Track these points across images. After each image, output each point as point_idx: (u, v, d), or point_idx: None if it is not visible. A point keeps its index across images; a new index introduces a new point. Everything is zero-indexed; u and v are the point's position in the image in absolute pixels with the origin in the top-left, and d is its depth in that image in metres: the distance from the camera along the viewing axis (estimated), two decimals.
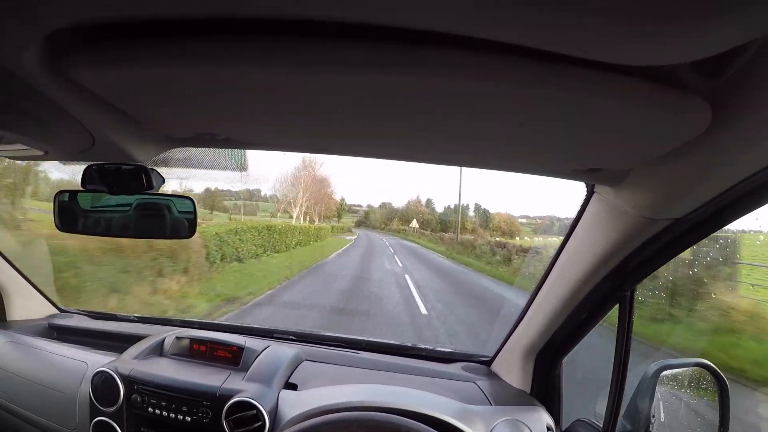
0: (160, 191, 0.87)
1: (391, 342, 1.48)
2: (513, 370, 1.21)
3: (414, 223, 41.51)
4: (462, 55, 0.39)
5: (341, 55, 0.40)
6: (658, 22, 0.31)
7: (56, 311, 1.65)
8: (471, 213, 47.04)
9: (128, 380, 1.09)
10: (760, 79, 0.42)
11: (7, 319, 1.50)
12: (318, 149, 0.76)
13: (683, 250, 0.79)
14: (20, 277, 1.49)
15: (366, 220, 53.56)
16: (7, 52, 0.42)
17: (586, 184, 0.83)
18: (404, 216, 49.13)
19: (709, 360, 1.05)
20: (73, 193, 0.95)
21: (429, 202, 51.70)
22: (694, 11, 0.29)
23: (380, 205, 56.04)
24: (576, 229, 0.90)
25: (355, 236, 31.78)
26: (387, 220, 51.75)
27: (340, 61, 0.40)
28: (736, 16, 0.30)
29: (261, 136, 0.71)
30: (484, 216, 45.19)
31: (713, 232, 0.72)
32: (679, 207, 0.67)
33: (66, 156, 0.80)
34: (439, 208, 50.84)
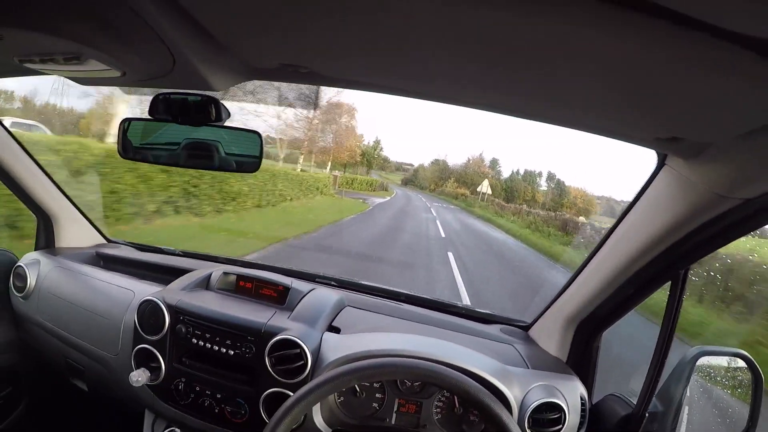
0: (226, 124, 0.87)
1: (432, 297, 1.49)
2: (552, 337, 1.21)
3: (485, 187, 30.21)
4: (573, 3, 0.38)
5: None
6: None
7: (104, 241, 1.69)
8: (542, 183, 40.24)
9: (174, 310, 1.12)
10: None
11: (56, 245, 1.54)
12: (404, 91, 0.75)
13: (749, 232, 0.78)
14: (71, 205, 1.52)
15: (414, 178, 46.86)
16: None
17: (659, 155, 0.81)
18: (462, 177, 40.99)
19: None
20: (137, 122, 0.96)
21: (494, 163, 42.85)
22: None
23: (432, 162, 47.47)
24: (640, 200, 0.89)
25: (386, 199, 23.96)
26: (439, 180, 43.25)
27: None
28: None
29: (348, 71, 0.70)
30: (558, 189, 38.10)
31: None
32: (754, 187, 0.66)
33: (143, 79, 0.79)
34: (506, 172, 43.34)
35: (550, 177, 39.76)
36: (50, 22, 0.55)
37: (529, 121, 0.78)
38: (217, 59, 0.68)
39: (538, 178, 40.25)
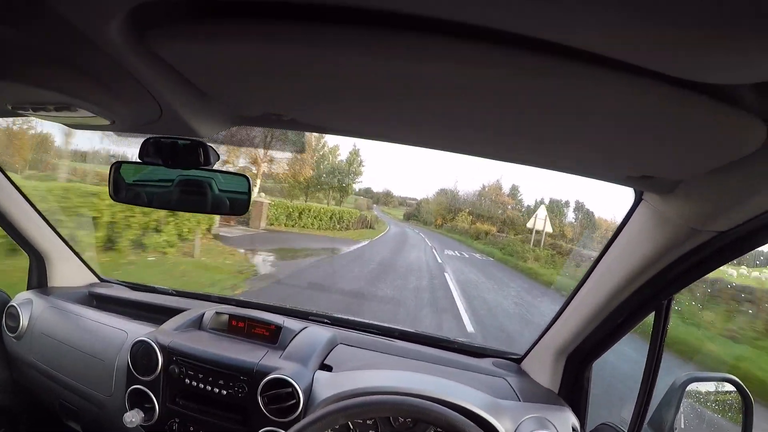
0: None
1: (425, 332, 1.49)
2: (543, 369, 1.22)
3: (540, 220, 17.48)
4: (528, 55, 0.40)
5: (417, 46, 0.41)
6: (736, 41, 0.31)
7: (96, 280, 1.69)
8: (570, 215, 30.62)
9: (167, 351, 1.12)
10: None
11: (49, 284, 1.54)
12: (384, 137, 0.78)
13: (725, 263, 0.80)
14: (63, 244, 1.53)
15: (417, 212, 41.17)
16: (93, 20, 0.43)
17: (635, 191, 0.83)
18: (477, 209, 31.90)
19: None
20: (128, 165, 0.98)
21: (515, 190, 32.76)
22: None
23: (438, 192, 39.46)
24: (620, 234, 0.91)
25: (362, 244, 13.67)
26: (447, 213, 34.78)
27: (416, 53, 0.42)
28: None
29: (328, 120, 0.72)
30: (587, 219, 28.86)
31: (755, 248, 0.73)
32: (726, 220, 0.68)
33: (131, 127, 0.82)
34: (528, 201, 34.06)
35: (578, 207, 31.10)
36: (38, 75, 0.57)
37: (508, 163, 0.81)
38: (203, 108, 0.71)
39: (564, 209, 31.30)
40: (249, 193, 0.94)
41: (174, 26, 0.44)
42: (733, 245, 0.73)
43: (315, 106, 0.66)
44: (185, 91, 0.62)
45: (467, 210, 32.81)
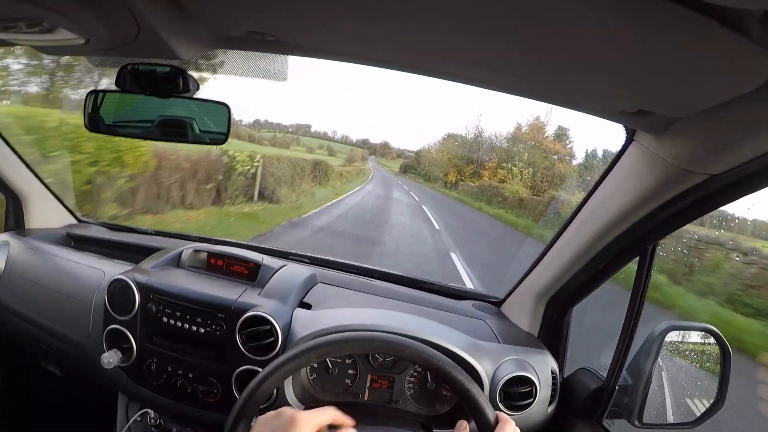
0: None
1: (405, 274, 1.49)
2: (523, 312, 1.23)
3: None
4: None
5: None
6: None
7: (74, 221, 1.66)
8: None
9: (144, 289, 1.10)
10: None
11: (26, 226, 1.51)
12: (375, 61, 0.74)
13: (715, 208, 0.79)
14: (41, 184, 1.49)
15: (417, 164, 33.64)
16: None
17: (627, 130, 0.82)
18: (508, 155, 21.80)
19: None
20: (104, 94, 0.94)
21: (563, 132, 22.60)
22: None
23: (447, 137, 29.88)
24: (609, 175, 0.90)
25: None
26: (464, 164, 24.81)
27: None
28: None
29: (317, 40, 0.69)
30: None
31: (747, 195, 0.72)
32: (719, 162, 0.67)
33: (107, 47, 0.78)
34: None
35: None
36: None
37: (496, 92, 0.79)
38: (183, 26, 0.67)
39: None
40: (229, 122, 0.91)
41: None
42: (725, 189, 0.72)
43: (301, 24, 0.63)
44: (165, 6, 0.59)
45: (496, 161, 22.22)
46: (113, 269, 1.23)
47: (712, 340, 1.08)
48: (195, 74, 0.85)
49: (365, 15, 0.53)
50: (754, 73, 0.46)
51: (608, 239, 0.93)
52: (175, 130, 0.97)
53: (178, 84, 0.84)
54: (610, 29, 0.44)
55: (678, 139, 0.69)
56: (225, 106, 0.91)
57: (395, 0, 0.47)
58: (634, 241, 0.91)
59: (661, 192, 0.78)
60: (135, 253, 1.40)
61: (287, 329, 1.04)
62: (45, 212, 1.55)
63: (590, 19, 0.42)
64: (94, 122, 0.95)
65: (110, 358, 1.08)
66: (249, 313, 1.03)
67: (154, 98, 0.87)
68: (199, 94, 0.89)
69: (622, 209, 0.86)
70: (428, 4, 0.48)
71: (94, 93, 0.94)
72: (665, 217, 0.84)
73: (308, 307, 1.17)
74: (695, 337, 1.11)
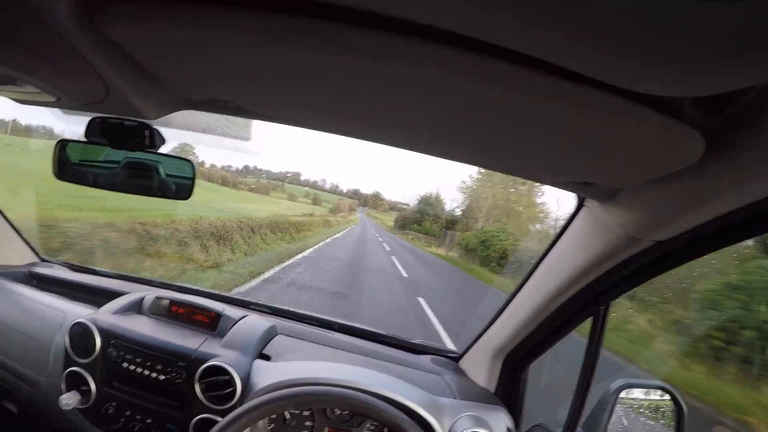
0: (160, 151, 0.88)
1: (365, 327, 1.50)
2: (480, 368, 1.24)
3: None
4: (476, 58, 0.41)
5: (359, 42, 0.41)
6: (672, 58, 0.32)
7: (37, 260, 1.64)
8: None
9: (105, 333, 1.10)
10: (756, 121, 0.44)
11: None
12: (324, 127, 0.78)
13: (661, 273, 0.81)
14: (4, 221, 1.48)
15: (422, 216, 31.56)
16: None
17: (578, 196, 0.85)
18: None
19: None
20: (73, 143, 0.95)
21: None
22: (710, 53, 0.31)
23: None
24: (561, 238, 0.93)
25: None
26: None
27: (357, 49, 0.42)
28: (748, 61, 0.32)
29: (273, 108, 0.72)
30: None
31: (692, 259, 0.74)
32: (663, 230, 0.69)
33: (77, 105, 0.80)
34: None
35: None
36: None
37: (455, 162, 0.82)
38: (150, 90, 0.69)
39: None
40: (193, 178, 0.93)
41: (123, 6, 0.44)
42: (671, 255, 0.74)
43: (261, 94, 0.66)
44: (132, 72, 0.61)
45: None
46: (75, 311, 1.23)
47: (666, 396, 1.10)
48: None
49: (323, 89, 0.56)
50: (690, 150, 0.48)
51: (562, 299, 0.95)
52: (141, 173, 0.97)
53: (144, 138, 0.86)
54: (546, 115, 0.47)
55: (624, 208, 0.72)
56: (190, 163, 0.94)
57: (350, 77, 0.49)
58: (587, 301, 0.94)
59: (609, 256, 0.81)
60: (97, 296, 1.39)
61: (246, 379, 1.05)
62: (7, 250, 1.53)
63: (530, 104, 0.45)
64: (62, 168, 0.96)
65: (69, 399, 1.07)
66: (209, 363, 1.03)
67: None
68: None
69: (574, 271, 0.89)
70: (380, 94, 0.51)
71: (64, 141, 0.96)
72: (616, 280, 0.86)
73: (267, 358, 1.17)
74: (650, 394, 1.12)
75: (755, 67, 0.33)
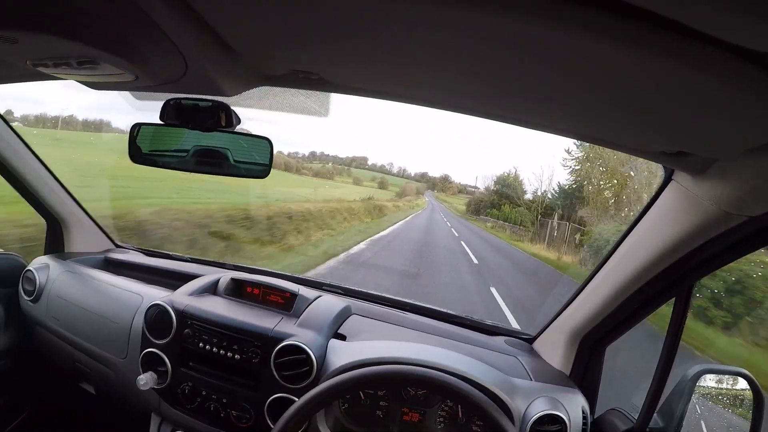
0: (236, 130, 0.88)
1: (438, 308, 1.49)
2: (556, 350, 1.22)
3: None
4: (578, 10, 0.38)
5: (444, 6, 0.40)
6: None
7: (113, 246, 1.70)
8: None
9: (182, 315, 1.13)
10: None
11: (66, 250, 1.56)
12: (412, 99, 0.76)
13: (754, 250, 0.78)
14: (80, 209, 1.54)
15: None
16: None
17: (666, 169, 0.82)
18: None
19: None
20: (147, 126, 0.97)
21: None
22: None
23: None
24: (647, 214, 0.89)
25: None
26: None
27: (461, 5, 0.40)
28: None
29: (358, 80, 0.71)
30: None
31: None
32: (758, 204, 0.66)
33: (155, 83, 0.80)
34: None
35: None
36: (66, 25, 0.55)
37: (537, 131, 0.79)
38: (229, 65, 0.69)
39: None
40: (271, 158, 0.93)
41: None
42: (763, 232, 0.71)
43: (344, 64, 0.65)
44: (214, 46, 0.61)
45: None
46: (151, 294, 1.26)
47: (745, 384, 1.05)
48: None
49: (403, 56, 0.55)
50: None
51: (646, 278, 0.92)
52: (210, 160, 0.98)
53: (220, 119, 0.86)
54: (647, 72, 0.44)
55: (717, 181, 0.69)
56: (267, 141, 0.94)
57: (434, 43, 0.48)
58: (671, 281, 0.90)
59: (699, 233, 0.78)
60: (172, 279, 1.43)
61: (322, 359, 1.05)
62: (84, 237, 1.60)
63: (628, 62, 0.43)
64: (136, 154, 0.98)
65: (146, 380, 1.10)
66: (285, 342, 1.04)
67: (193, 131, 0.90)
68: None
69: (660, 249, 0.85)
70: (468, 57, 0.49)
71: (138, 126, 0.98)
72: (703, 258, 0.83)
73: (343, 338, 1.18)
74: (729, 381, 1.08)
75: None
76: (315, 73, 0.70)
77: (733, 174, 0.65)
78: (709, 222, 0.74)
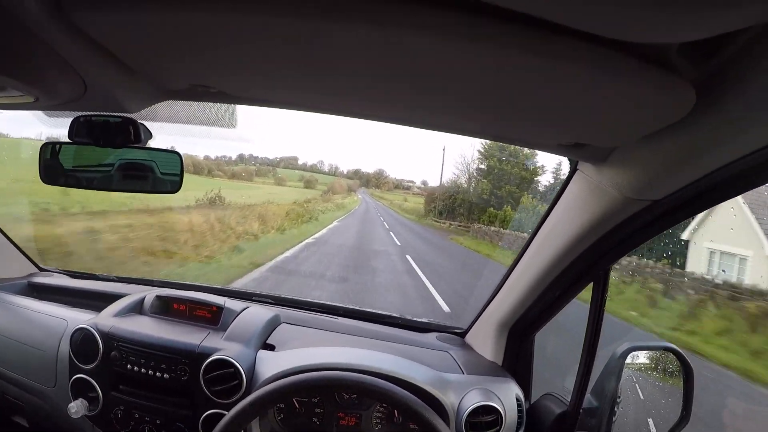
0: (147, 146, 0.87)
1: (369, 309, 1.51)
2: (486, 342, 1.24)
3: None
4: (461, 17, 0.40)
5: (344, 7, 0.40)
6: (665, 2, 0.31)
7: (36, 270, 1.64)
8: None
9: (107, 337, 1.10)
10: (747, 68, 0.43)
11: None
12: (309, 107, 0.77)
13: (659, 232, 0.81)
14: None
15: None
16: None
17: (570, 161, 0.85)
18: None
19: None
20: (59, 145, 0.94)
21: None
22: None
23: None
24: (557, 204, 0.92)
25: None
26: None
27: (343, 15, 0.41)
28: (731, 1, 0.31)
29: (255, 90, 0.71)
30: None
31: (689, 217, 0.74)
32: (659, 189, 0.69)
33: (56, 104, 0.79)
34: None
35: None
36: None
37: (442, 132, 0.81)
38: (127, 82, 0.68)
39: None
40: (182, 171, 0.93)
41: None
42: (668, 214, 0.74)
43: (238, 76, 0.65)
44: (108, 64, 0.60)
45: None
46: (76, 318, 1.22)
47: (673, 357, 1.10)
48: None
49: (291, 67, 0.55)
50: (680, 102, 0.47)
51: (562, 266, 0.95)
52: (136, 173, 0.97)
53: (130, 134, 0.85)
54: (536, 70, 0.45)
55: (618, 168, 0.71)
56: (177, 155, 0.93)
57: (330, 53, 0.48)
58: (586, 267, 0.93)
59: (606, 219, 0.81)
60: (98, 300, 1.38)
61: (251, 371, 1.05)
62: (5, 262, 1.53)
63: (516, 62, 0.44)
64: (51, 173, 0.95)
65: (77, 407, 1.07)
66: (212, 357, 1.03)
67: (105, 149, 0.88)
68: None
69: (571, 237, 0.88)
70: (362, 66, 0.50)
71: (49, 144, 0.95)
72: (614, 243, 0.86)
73: (272, 348, 1.17)
74: (657, 355, 1.13)
75: (739, 7, 0.31)
76: (213, 87, 0.70)
77: (632, 161, 0.68)
78: (615, 208, 0.77)
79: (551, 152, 0.79)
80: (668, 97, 0.47)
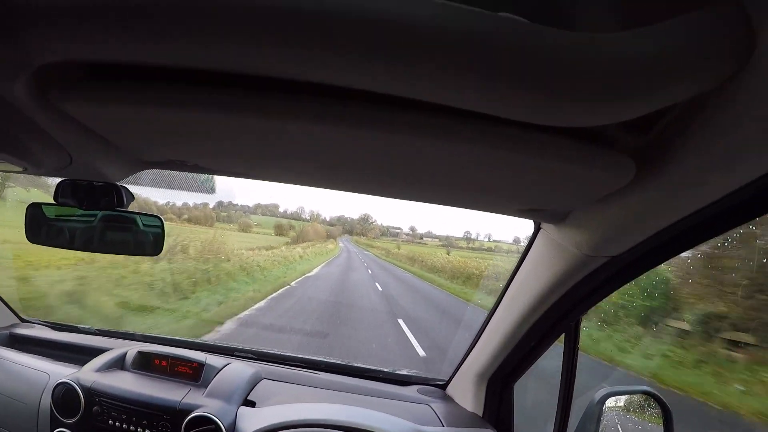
0: (129, 209, 0.89)
1: (350, 363, 1.51)
2: (466, 393, 1.25)
3: None
4: (422, 117, 0.44)
5: (302, 109, 0.45)
6: (592, 96, 0.35)
7: (17, 321, 1.64)
8: None
9: (89, 392, 1.11)
10: (681, 137, 0.47)
11: None
12: (283, 179, 0.81)
13: (621, 285, 0.84)
14: None
15: None
16: None
17: (534, 222, 0.88)
18: None
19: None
20: (45, 206, 0.97)
21: None
22: (625, 87, 0.34)
23: None
24: (524, 262, 0.96)
25: None
26: None
27: (302, 115, 0.45)
28: (666, 85, 0.34)
29: (226, 165, 0.75)
30: None
31: (648, 270, 0.77)
32: (615, 246, 0.72)
33: (44, 172, 0.82)
34: None
35: None
36: None
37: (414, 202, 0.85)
38: (111, 155, 0.72)
39: None
40: (163, 235, 0.95)
41: (75, 86, 0.46)
42: (628, 268, 0.77)
43: (211, 153, 0.68)
44: (92, 141, 0.64)
45: None
46: (58, 371, 1.23)
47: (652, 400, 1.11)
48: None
49: (270, 149, 0.59)
50: (621, 173, 0.50)
51: (532, 320, 0.97)
52: (119, 226, 0.98)
53: (113, 198, 0.88)
54: (488, 158, 0.50)
55: (575, 228, 0.75)
56: (158, 219, 0.95)
57: (294, 144, 0.53)
58: (557, 319, 0.96)
59: (570, 275, 0.84)
60: (80, 354, 1.39)
61: (232, 428, 1.05)
62: None
63: (472, 153, 0.49)
64: (35, 232, 0.97)
65: None
66: (193, 414, 1.04)
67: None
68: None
69: (539, 292, 0.91)
70: (327, 152, 0.54)
71: (35, 205, 0.97)
72: (580, 297, 0.89)
73: (252, 404, 1.18)
74: (635, 399, 1.14)
75: (658, 91, 0.35)
76: (190, 161, 0.74)
77: (588, 221, 0.71)
78: (576, 265, 0.80)
79: (513, 215, 0.83)
80: (608, 171, 0.50)
